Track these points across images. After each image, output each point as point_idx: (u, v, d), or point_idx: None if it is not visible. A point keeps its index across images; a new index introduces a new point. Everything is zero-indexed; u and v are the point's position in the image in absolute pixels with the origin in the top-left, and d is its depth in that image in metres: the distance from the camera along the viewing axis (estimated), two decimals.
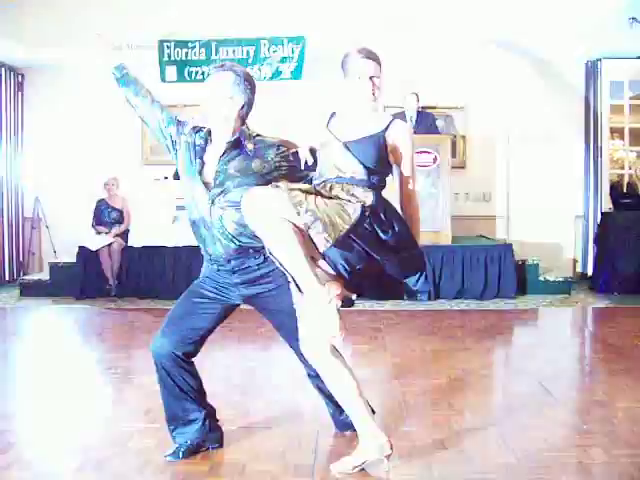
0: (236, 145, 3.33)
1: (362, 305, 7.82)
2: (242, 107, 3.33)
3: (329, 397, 3.56)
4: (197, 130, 3.43)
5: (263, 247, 3.17)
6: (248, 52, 9.35)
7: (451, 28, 8.94)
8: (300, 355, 3.38)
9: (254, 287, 3.41)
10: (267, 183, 3.19)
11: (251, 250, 3.32)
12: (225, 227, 3.27)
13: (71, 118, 10.47)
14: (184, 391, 3.36)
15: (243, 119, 3.39)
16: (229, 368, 5.39)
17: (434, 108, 9.62)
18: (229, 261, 3.33)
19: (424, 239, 7.91)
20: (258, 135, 3.42)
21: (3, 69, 10.17)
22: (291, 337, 3.38)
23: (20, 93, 10.63)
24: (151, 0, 9.27)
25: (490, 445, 3.59)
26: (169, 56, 9.49)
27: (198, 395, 3.44)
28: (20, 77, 10.61)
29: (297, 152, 3.37)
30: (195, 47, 9.44)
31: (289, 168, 3.39)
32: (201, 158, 3.36)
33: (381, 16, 8.97)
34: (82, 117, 10.36)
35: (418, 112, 8.99)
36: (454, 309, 7.73)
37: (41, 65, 10.36)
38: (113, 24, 9.24)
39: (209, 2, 8.62)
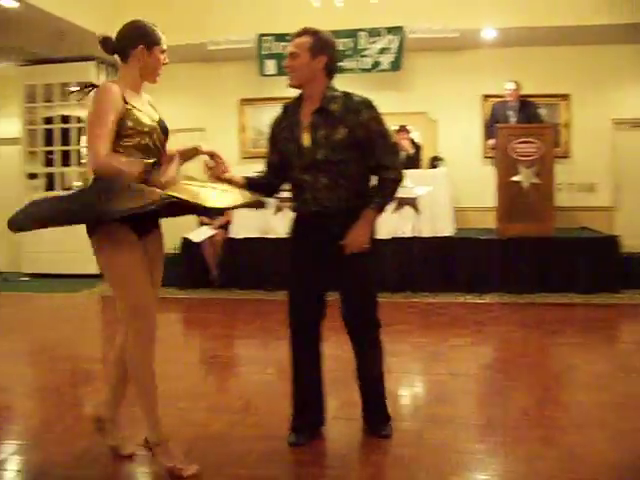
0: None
1: (464, 298, 7.77)
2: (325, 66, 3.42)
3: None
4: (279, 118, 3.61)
5: None
6: (347, 44, 9.36)
7: (554, 13, 8.75)
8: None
9: None
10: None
11: None
12: None
13: (172, 113, 10.68)
14: None
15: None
16: (328, 359, 5.41)
17: (537, 96, 9.40)
18: None
19: (526, 231, 7.92)
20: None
21: (111, 68, 10.48)
22: None
23: None
24: None
25: (599, 444, 3.46)
26: (268, 50, 9.58)
27: None
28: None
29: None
30: None
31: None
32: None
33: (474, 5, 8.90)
34: (182, 112, 10.60)
35: (520, 101, 8.81)
36: (557, 302, 7.54)
37: None
38: (212, 20, 9.45)
39: None
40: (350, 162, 3.37)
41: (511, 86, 8.78)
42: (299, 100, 3.52)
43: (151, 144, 3.17)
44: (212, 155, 3.43)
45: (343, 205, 3.39)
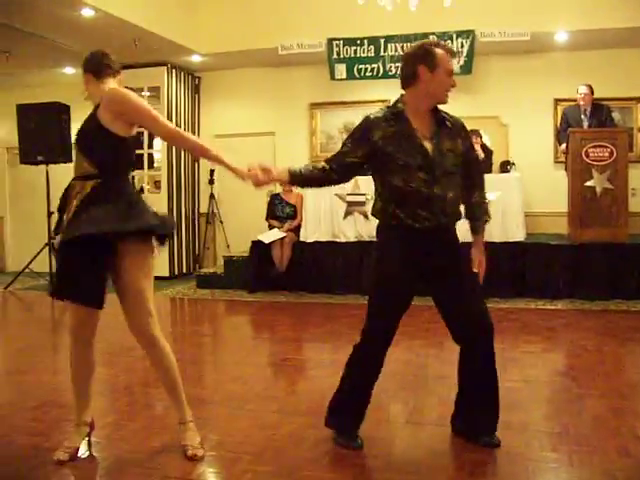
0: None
1: (535, 304, 7.67)
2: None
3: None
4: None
5: None
6: None
7: (627, 15, 8.57)
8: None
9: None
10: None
11: None
12: None
13: (243, 117, 10.87)
14: None
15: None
16: (400, 363, 5.39)
17: (610, 100, 9.21)
18: None
19: (599, 236, 7.77)
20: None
21: (182, 73, 10.70)
22: None
23: (197, 95, 11.14)
24: None
25: None
26: (338, 54, 9.61)
27: None
28: (197, 80, 11.12)
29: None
30: (364, 44, 9.52)
31: None
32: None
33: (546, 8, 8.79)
34: (253, 116, 10.72)
35: (592, 104, 8.65)
36: (632, 310, 7.38)
37: (215, 69, 10.82)
38: (283, 25, 9.53)
39: None
40: (459, 177, 3.42)
41: (584, 89, 8.61)
42: (401, 111, 3.39)
43: None
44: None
45: (458, 218, 3.49)
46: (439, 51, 3.27)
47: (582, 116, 8.69)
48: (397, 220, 3.35)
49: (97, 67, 3.44)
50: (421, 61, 3.26)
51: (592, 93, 8.65)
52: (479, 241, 3.62)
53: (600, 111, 8.68)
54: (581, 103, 8.66)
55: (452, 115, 3.45)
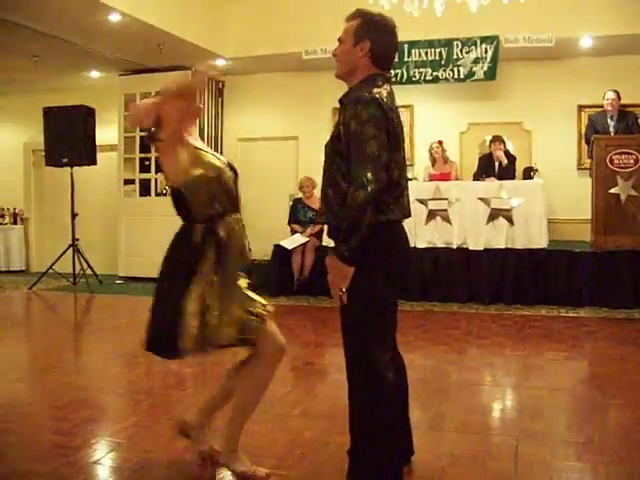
0: None
1: (558, 311, 7.63)
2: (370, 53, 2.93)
3: None
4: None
5: None
6: (441, 53, 9.33)
7: None
8: None
9: None
10: None
11: None
12: None
13: (266, 122, 10.92)
14: None
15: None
16: (422, 369, 5.39)
17: (635, 106, 9.15)
18: None
19: (623, 244, 7.72)
20: None
21: (207, 77, 10.74)
22: None
23: (220, 99, 11.19)
24: (343, 3, 9.46)
25: None
26: None
27: None
28: (221, 84, 11.17)
29: None
30: None
31: None
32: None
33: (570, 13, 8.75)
34: (276, 120, 10.75)
35: (619, 111, 8.60)
36: None
37: (239, 73, 10.87)
38: (307, 30, 9.57)
39: (398, 4, 8.69)
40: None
41: (611, 95, 8.53)
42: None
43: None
44: None
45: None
46: None
47: (609, 121, 8.63)
48: (396, 216, 2.94)
49: None
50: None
51: (619, 99, 8.59)
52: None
53: (627, 117, 8.61)
54: (608, 109, 8.58)
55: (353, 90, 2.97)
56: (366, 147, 2.69)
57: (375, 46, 2.92)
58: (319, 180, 3.17)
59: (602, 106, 8.69)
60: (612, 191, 7.96)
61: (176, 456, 3.49)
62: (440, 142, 9.30)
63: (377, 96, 2.80)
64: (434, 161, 9.30)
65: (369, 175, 2.66)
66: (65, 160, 9.79)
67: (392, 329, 3.09)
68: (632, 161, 7.93)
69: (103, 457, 3.49)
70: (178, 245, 3.22)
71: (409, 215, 3.00)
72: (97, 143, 10.21)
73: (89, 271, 10.02)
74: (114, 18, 7.89)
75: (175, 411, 4.31)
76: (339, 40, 3.01)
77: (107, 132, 11.02)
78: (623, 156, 7.96)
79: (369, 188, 2.65)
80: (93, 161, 10.04)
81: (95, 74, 10.94)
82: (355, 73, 2.96)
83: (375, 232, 2.77)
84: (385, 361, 2.88)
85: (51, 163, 10.04)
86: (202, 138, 10.94)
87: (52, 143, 9.82)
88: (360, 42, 2.91)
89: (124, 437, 3.77)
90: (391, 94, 2.95)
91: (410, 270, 2.93)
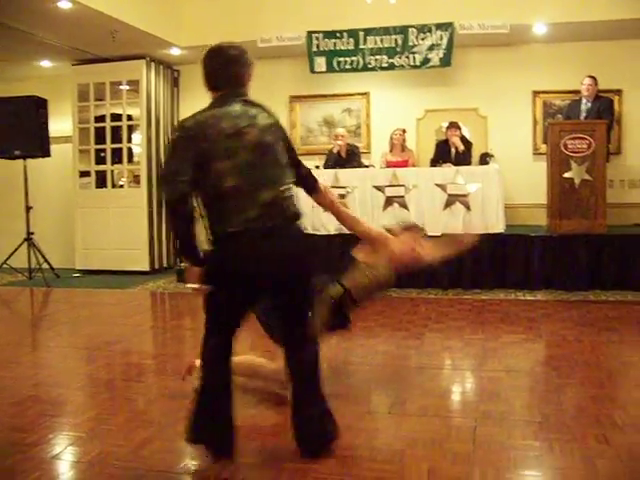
0: None
1: (515, 295, 7.73)
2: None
3: None
4: None
5: None
6: (397, 40, 9.32)
7: (603, 7, 8.63)
8: None
9: None
10: None
11: None
12: None
13: None
14: None
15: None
16: (382, 355, 5.41)
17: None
18: None
19: (578, 228, 7.82)
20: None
21: (161, 66, 10.66)
22: None
23: (176, 88, 11.11)
24: None
25: None
26: (318, 47, 9.60)
27: None
28: (176, 73, 11.08)
29: None
30: (343, 37, 9.50)
31: None
32: None
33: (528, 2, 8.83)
34: None
35: (595, 96, 8.67)
36: (610, 300, 7.43)
37: (194, 62, 10.75)
38: (263, 17, 9.52)
39: None
40: None
41: (587, 81, 8.61)
42: None
43: None
44: None
45: None
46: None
47: (582, 106, 8.71)
48: None
49: None
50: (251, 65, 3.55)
51: (596, 84, 8.65)
52: None
53: (600, 102, 8.69)
54: (585, 94, 8.65)
55: None
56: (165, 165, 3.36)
57: (204, 73, 3.52)
58: None
59: (557, 92, 8.79)
60: (566, 175, 8.05)
61: (136, 448, 3.46)
62: (404, 130, 9.33)
63: (183, 123, 3.30)
64: (392, 147, 9.32)
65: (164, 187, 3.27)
66: (17, 152, 9.61)
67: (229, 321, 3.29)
68: (585, 146, 8.03)
69: (61, 452, 3.45)
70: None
71: (264, 225, 3.12)
72: (51, 135, 10.05)
73: (45, 265, 9.88)
74: (64, 5, 7.72)
75: (135, 403, 4.29)
76: None
77: (61, 123, 10.86)
78: (577, 141, 8.05)
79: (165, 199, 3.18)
80: (47, 153, 9.88)
81: (46, 64, 10.73)
82: None
83: (214, 241, 3.14)
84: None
85: (3, 156, 9.84)
86: (157, 129, 10.91)
87: (3, 135, 9.61)
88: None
89: (83, 431, 3.74)
90: (227, 113, 3.26)
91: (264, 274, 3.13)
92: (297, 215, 3.28)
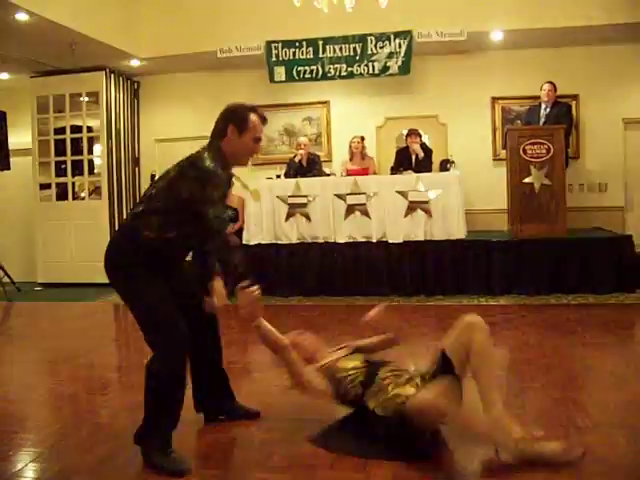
0: None
1: (478, 300, 7.80)
2: None
3: None
4: None
5: None
6: (355, 49, 9.40)
7: (560, 14, 8.78)
8: None
9: None
10: None
11: None
12: None
13: (183, 122, 10.81)
14: None
15: None
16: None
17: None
18: None
19: (539, 232, 7.92)
20: None
21: (121, 78, 10.60)
22: None
23: (136, 100, 11.05)
24: (256, 1, 9.46)
25: (618, 445, 3.43)
26: (277, 56, 9.63)
27: None
28: (136, 84, 11.03)
29: None
30: (302, 46, 9.55)
31: None
32: None
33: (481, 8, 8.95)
34: (193, 120, 10.64)
35: (554, 101, 8.81)
36: (572, 303, 7.53)
37: (154, 73, 10.75)
38: (221, 28, 9.52)
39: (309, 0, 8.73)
40: None
41: (546, 86, 8.77)
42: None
43: None
44: None
45: None
46: (253, 117, 3.54)
47: (542, 112, 8.84)
48: None
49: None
50: (233, 121, 3.55)
51: (555, 90, 8.80)
52: None
53: (558, 107, 8.83)
54: (545, 99, 8.79)
55: None
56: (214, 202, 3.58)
57: None
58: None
59: (516, 98, 8.91)
60: (526, 180, 8.15)
61: (98, 463, 3.42)
62: (362, 138, 9.36)
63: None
64: (352, 156, 9.35)
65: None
66: None
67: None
68: (544, 151, 8.13)
69: (22, 468, 3.40)
70: None
71: None
72: (10, 147, 9.95)
73: (6, 279, 9.76)
74: (21, 17, 7.67)
75: (99, 417, 4.25)
76: None
77: (20, 136, 10.74)
78: (535, 146, 8.16)
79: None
80: (6, 166, 9.79)
81: (4, 76, 10.63)
82: None
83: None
84: None
85: None
86: (118, 140, 10.85)
87: None
88: None
89: (45, 446, 3.69)
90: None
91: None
92: None
